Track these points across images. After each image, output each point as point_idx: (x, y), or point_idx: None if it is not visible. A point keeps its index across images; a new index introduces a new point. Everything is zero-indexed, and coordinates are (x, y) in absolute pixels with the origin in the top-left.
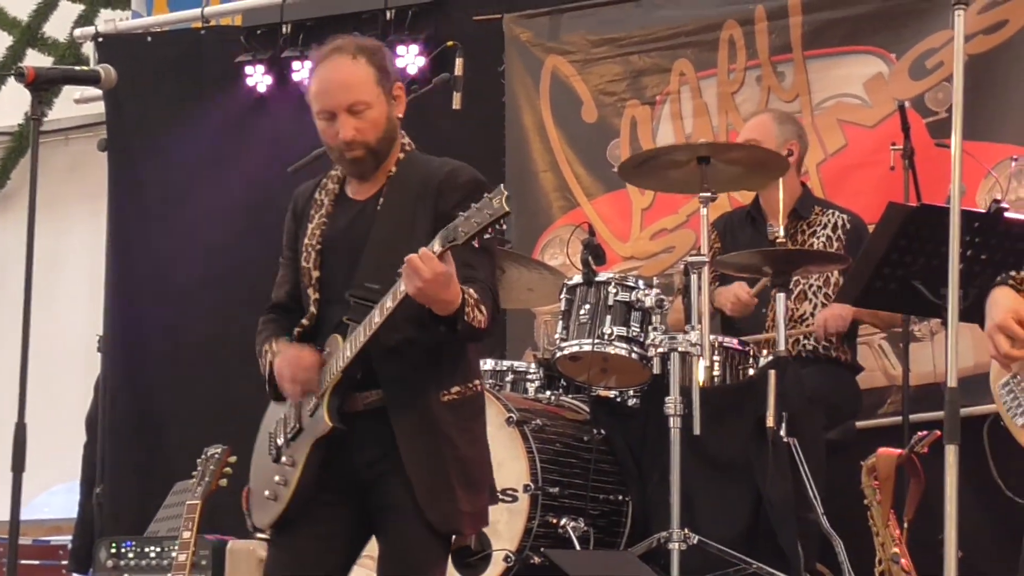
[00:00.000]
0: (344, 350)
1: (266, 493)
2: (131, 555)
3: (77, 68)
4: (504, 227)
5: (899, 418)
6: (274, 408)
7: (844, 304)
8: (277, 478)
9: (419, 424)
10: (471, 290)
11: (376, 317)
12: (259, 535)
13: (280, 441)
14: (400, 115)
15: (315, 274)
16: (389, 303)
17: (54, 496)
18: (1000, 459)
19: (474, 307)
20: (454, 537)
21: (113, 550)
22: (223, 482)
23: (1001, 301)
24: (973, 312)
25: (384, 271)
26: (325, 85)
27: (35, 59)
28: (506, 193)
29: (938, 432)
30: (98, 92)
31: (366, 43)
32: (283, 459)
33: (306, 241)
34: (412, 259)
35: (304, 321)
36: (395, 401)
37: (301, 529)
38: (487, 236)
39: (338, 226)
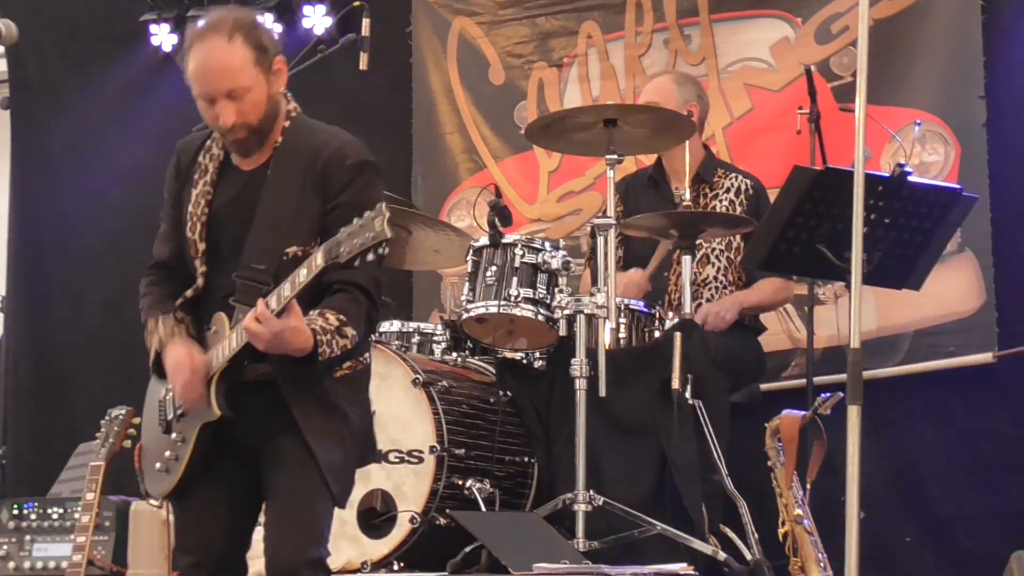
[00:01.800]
0: (230, 340)
1: (157, 466)
2: (33, 516)
3: None
4: (384, 251)
5: (803, 380)
6: (159, 382)
7: (730, 305)
8: (168, 453)
9: (311, 396)
10: (331, 317)
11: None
12: (151, 502)
13: (170, 415)
14: (282, 88)
15: (201, 246)
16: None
17: None
18: None
19: (333, 338)
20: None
21: (15, 511)
22: (127, 443)
23: None
24: (877, 275)
25: (271, 250)
26: (203, 70)
27: None
28: (388, 214)
29: (841, 394)
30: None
31: (243, 19)
32: (173, 434)
33: (191, 209)
34: (249, 327)
35: (188, 293)
36: (287, 378)
37: (196, 498)
38: (372, 257)
39: (224, 197)
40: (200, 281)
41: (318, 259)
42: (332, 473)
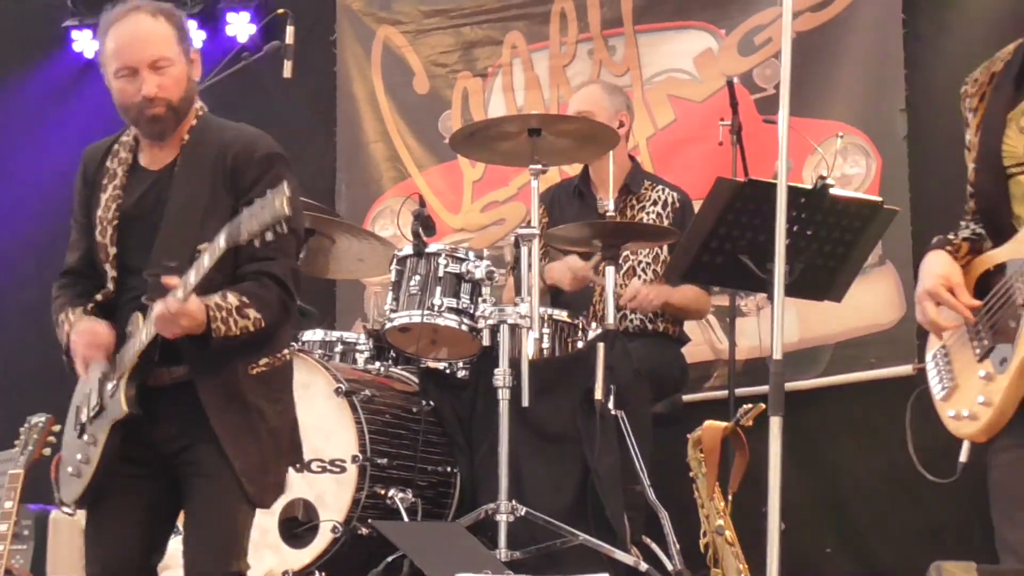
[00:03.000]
0: (140, 335)
1: (69, 470)
2: None
3: None
4: (282, 230)
5: (725, 392)
6: (80, 384)
7: (658, 293)
8: (79, 456)
9: (228, 397)
10: (231, 297)
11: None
12: (64, 509)
13: (83, 418)
14: (196, 79)
15: (112, 250)
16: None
17: None
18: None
19: (230, 316)
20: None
21: None
22: (47, 451)
23: (933, 266)
24: (799, 287)
25: (182, 247)
26: (127, 40)
27: None
28: (288, 193)
29: (762, 405)
30: None
31: (163, 5)
32: (85, 436)
33: (100, 214)
34: (157, 314)
35: (98, 297)
36: (202, 376)
37: (107, 507)
38: (271, 236)
39: (132, 198)
40: (111, 285)
41: (220, 242)
42: (247, 475)
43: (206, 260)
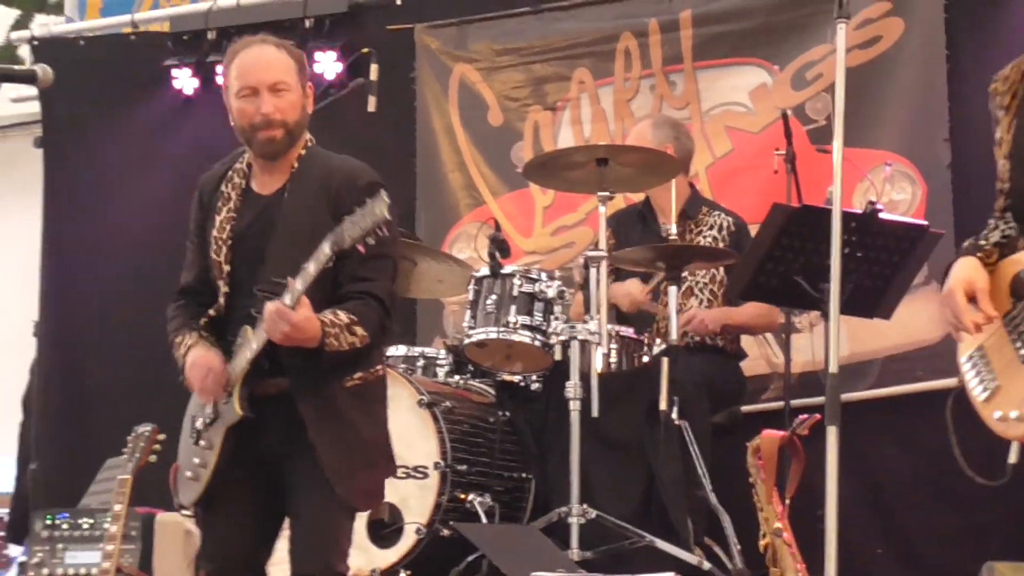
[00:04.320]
0: (251, 342)
1: (188, 474)
2: (65, 526)
3: (15, 67)
4: (384, 234)
5: (781, 403)
6: (195, 398)
7: (716, 316)
8: (197, 460)
9: (324, 409)
10: (341, 314)
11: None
12: (183, 512)
13: (199, 425)
14: (309, 111)
15: (225, 268)
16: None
17: None
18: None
19: (342, 332)
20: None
21: (48, 521)
22: (152, 458)
23: (958, 271)
24: (850, 305)
25: (288, 265)
26: (252, 64)
27: None
28: (387, 201)
29: (818, 415)
30: (34, 91)
31: (285, 42)
32: (202, 442)
33: (215, 234)
34: (267, 318)
35: (211, 312)
36: (300, 388)
37: (221, 508)
38: (373, 241)
39: (245, 221)
40: (222, 300)
41: (324, 249)
42: (338, 481)
43: (311, 267)
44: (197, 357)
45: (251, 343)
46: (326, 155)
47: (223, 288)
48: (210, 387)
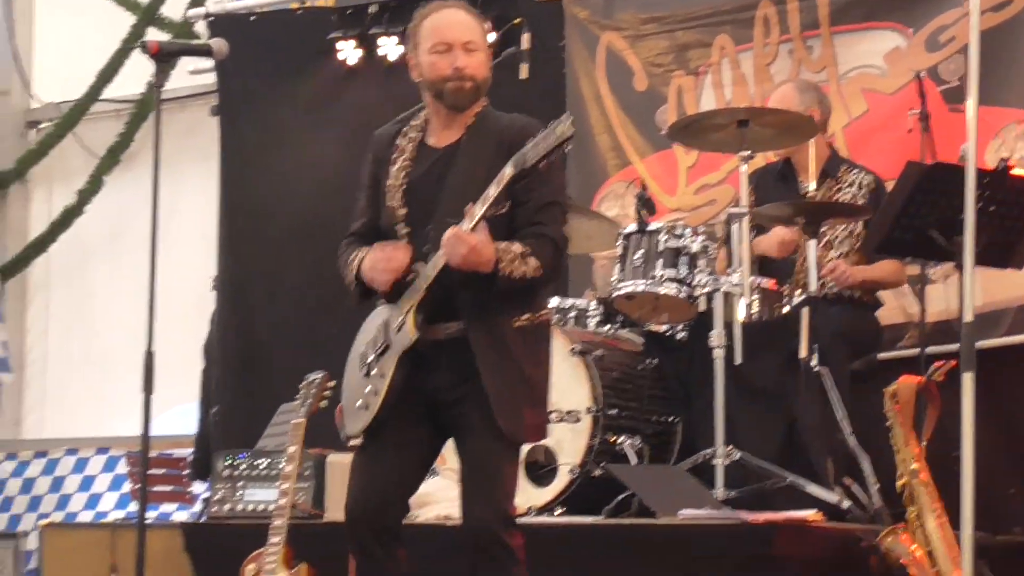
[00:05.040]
0: (427, 270)
1: (359, 403)
2: (244, 466)
3: (194, 42)
4: (568, 148)
5: (917, 350)
6: (361, 336)
7: (855, 270)
8: (368, 388)
9: (493, 344)
10: (516, 245)
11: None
12: (352, 442)
13: (371, 358)
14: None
15: (401, 212)
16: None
17: (177, 414)
18: None
19: (515, 260)
20: (525, 451)
21: (229, 461)
22: (323, 404)
23: None
24: (983, 256)
25: (460, 209)
26: (447, 22)
27: (154, 37)
28: (572, 118)
29: (953, 362)
30: (210, 64)
31: (472, 8)
32: (373, 372)
33: (390, 182)
34: (446, 241)
35: None
36: (473, 325)
37: (386, 439)
38: (550, 159)
39: (420, 169)
40: (404, 242)
41: (507, 171)
42: (503, 414)
43: (492, 190)
44: (375, 251)
45: (427, 272)
46: (498, 114)
47: (403, 231)
48: (393, 265)
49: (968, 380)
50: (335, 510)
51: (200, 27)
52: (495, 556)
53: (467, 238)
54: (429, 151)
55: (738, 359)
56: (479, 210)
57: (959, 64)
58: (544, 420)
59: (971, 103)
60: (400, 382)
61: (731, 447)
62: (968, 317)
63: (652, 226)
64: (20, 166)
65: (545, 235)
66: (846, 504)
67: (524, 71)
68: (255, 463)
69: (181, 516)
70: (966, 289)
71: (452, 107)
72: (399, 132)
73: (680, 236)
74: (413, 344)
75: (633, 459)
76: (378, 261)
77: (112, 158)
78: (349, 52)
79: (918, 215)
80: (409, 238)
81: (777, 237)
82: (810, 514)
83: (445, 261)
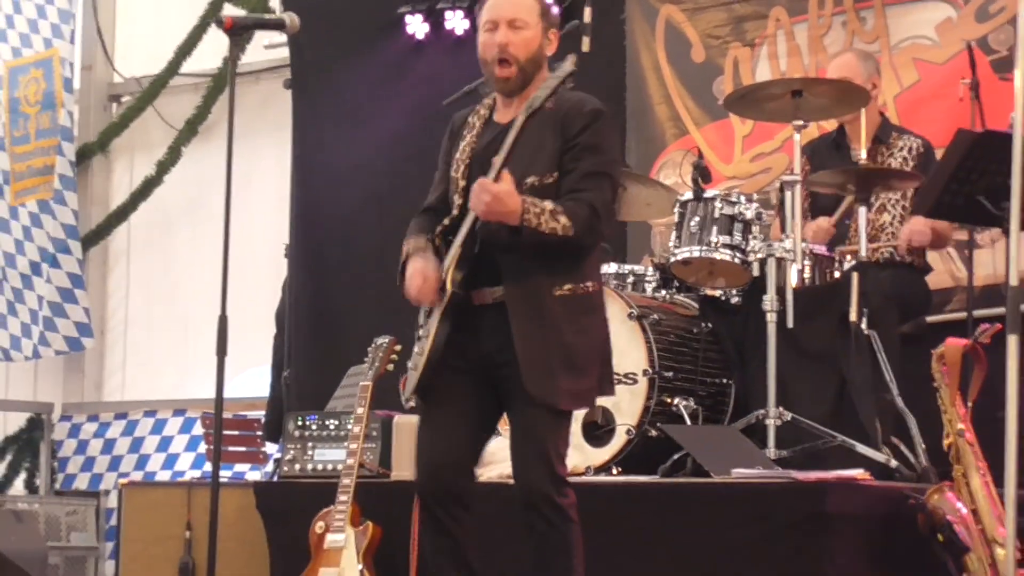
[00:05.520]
0: (462, 229)
1: (410, 365)
2: (314, 427)
3: (267, 16)
4: (570, 85)
5: (964, 314)
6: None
7: (923, 226)
8: (416, 349)
9: (530, 312)
10: (547, 203)
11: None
12: (409, 404)
13: (422, 320)
14: (549, 53)
15: (461, 183)
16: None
17: (251, 377)
18: None
19: (543, 215)
20: (583, 413)
21: (299, 423)
22: (390, 367)
23: None
24: None
25: (514, 180)
26: (498, 1)
27: (230, 12)
28: (574, 57)
29: (999, 325)
30: (283, 39)
31: None
32: (420, 331)
33: (457, 156)
34: (474, 189)
35: (445, 221)
36: (511, 290)
37: (438, 402)
38: (555, 95)
39: (483, 143)
40: (455, 211)
41: (520, 117)
42: (531, 379)
43: (509, 137)
44: (414, 268)
45: (461, 229)
46: (561, 91)
47: (458, 200)
48: (425, 293)
49: (1013, 342)
50: (400, 469)
51: (275, 3)
52: (547, 516)
53: (489, 186)
54: (493, 126)
55: (790, 323)
56: (500, 156)
57: (1008, 34)
58: (584, 388)
59: (1019, 72)
60: (442, 339)
61: (782, 408)
62: (1014, 281)
63: (708, 194)
64: (103, 138)
65: (582, 199)
66: (894, 463)
67: (586, 44)
68: (324, 424)
69: (254, 475)
70: (1012, 254)
71: (500, 92)
72: (473, 111)
73: (735, 203)
74: (449, 300)
75: (688, 420)
76: (411, 287)
77: (190, 130)
78: (417, 26)
79: (968, 181)
80: (461, 209)
81: (816, 225)
82: (859, 473)
83: (474, 215)
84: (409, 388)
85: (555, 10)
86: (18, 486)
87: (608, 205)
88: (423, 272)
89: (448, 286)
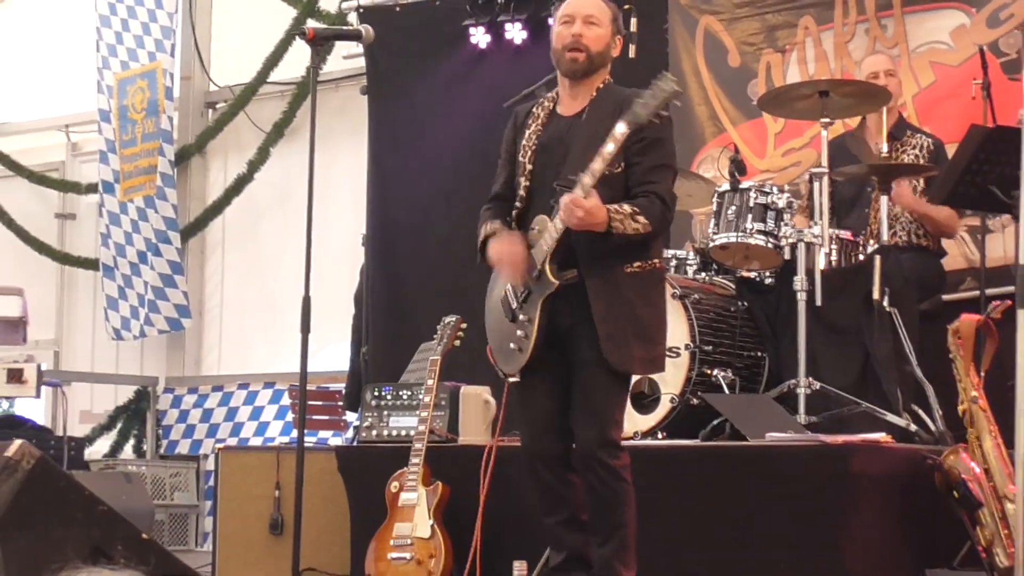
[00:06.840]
0: (550, 229)
1: (511, 346)
2: (389, 397)
3: (345, 28)
4: (679, 104)
5: (977, 292)
6: (496, 285)
7: (912, 203)
8: (520, 333)
9: (606, 287)
10: (626, 206)
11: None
12: (511, 380)
13: (514, 305)
14: (614, 55)
15: (529, 167)
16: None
17: (333, 353)
18: None
19: (626, 219)
20: (633, 382)
21: (376, 393)
22: (456, 343)
23: None
24: None
25: (583, 166)
26: (577, 1)
27: (312, 26)
28: (674, 79)
29: (1009, 302)
30: (360, 49)
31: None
32: (520, 318)
33: (524, 143)
34: (564, 205)
35: (517, 204)
36: (590, 270)
37: (537, 374)
38: (666, 113)
39: (548, 133)
40: (523, 193)
41: (620, 128)
42: (609, 346)
43: (609, 147)
44: (500, 247)
45: (551, 229)
46: (619, 88)
47: (524, 183)
48: (520, 268)
49: (1022, 317)
50: (466, 434)
51: (352, 18)
52: (601, 476)
53: (582, 203)
54: (558, 118)
55: (819, 301)
56: (597, 166)
57: (1017, 38)
58: (655, 355)
59: None
60: (546, 324)
61: (812, 378)
62: (1023, 261)
63: (743, 185)
64: (200, 141)
65: (654, 193)
66: (913, 428)
67: (632, 51)
68: (398, 394)
69: (336, 441)
70: (1021, 237)
71: (567, 75)
72: (537, 103)
73: (768, 193)
74: (556, 289)
75: (726, 389)
76: (503, 255)
77: (277, 132)
78: (480, 37)
79: (980, 172)
80: (527, 192)
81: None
82: (882, 436)
83: (564, 225)
84: (514, 367)
85: (619, 16)
86: (127, 451)
87: (672, 194)
88: (510, 248)
89: (552, 277)
